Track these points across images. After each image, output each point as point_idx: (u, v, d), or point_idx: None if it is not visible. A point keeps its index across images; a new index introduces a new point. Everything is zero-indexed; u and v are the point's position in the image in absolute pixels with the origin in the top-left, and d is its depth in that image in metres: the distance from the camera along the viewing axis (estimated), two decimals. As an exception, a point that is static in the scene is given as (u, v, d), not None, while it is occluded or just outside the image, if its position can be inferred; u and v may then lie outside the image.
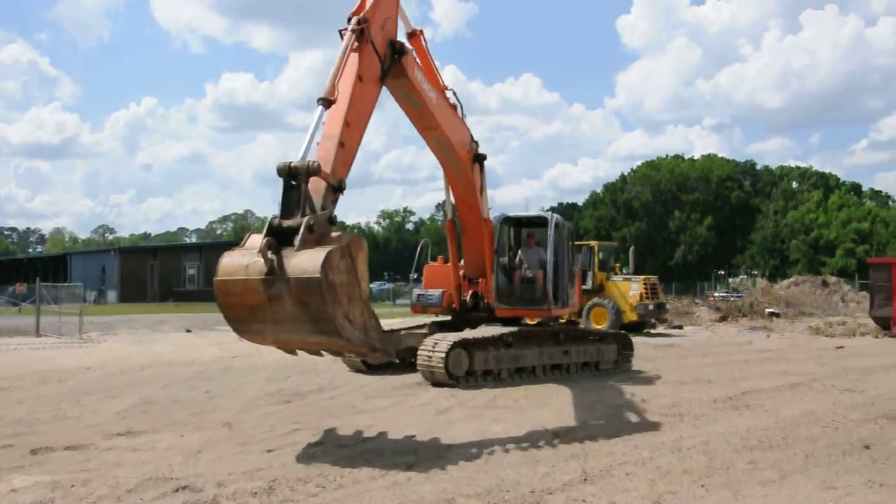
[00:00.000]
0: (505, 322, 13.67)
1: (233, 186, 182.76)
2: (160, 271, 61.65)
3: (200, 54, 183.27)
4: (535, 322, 15.98)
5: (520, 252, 14.91)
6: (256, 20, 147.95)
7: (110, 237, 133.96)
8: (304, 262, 7.08)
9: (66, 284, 35.49)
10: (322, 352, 8.49)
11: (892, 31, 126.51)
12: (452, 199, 13.76)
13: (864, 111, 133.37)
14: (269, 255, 7.12)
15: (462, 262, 14.25)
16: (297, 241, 7.21)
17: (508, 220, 14.93)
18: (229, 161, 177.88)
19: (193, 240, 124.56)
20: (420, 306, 14.52)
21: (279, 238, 7.29)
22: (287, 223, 7.43)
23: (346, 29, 9.09)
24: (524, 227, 15.59)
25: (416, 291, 14.59)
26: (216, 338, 22.61)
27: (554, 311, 14.11)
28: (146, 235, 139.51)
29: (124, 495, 6.25)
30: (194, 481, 6.62)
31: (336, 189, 8.06)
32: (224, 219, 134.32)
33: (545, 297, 14.00)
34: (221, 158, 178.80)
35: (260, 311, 7.37)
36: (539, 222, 15.16)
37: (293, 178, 7.70)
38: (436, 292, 14.25)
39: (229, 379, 13.57)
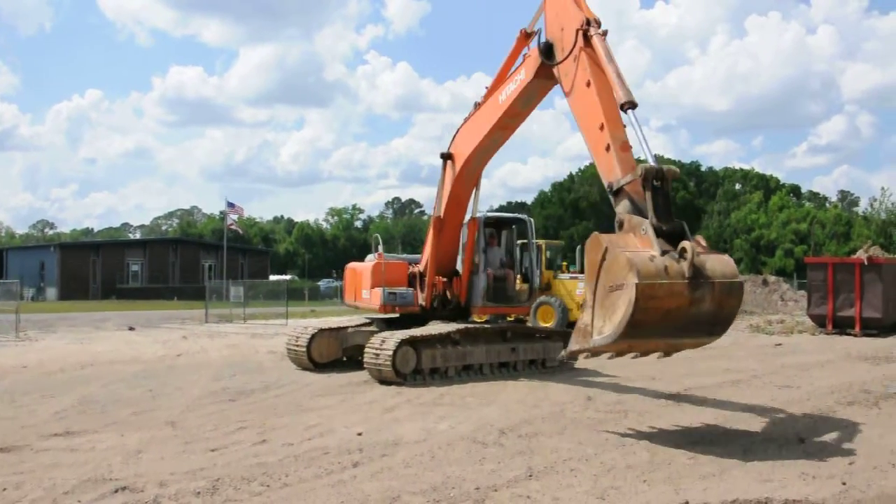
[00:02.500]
0: (451, 319, 13.74)
1: (179, 182, 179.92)
2: (103, 268, 60.35)
3: (148, 47, 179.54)
4: (483, 320, 16.09)
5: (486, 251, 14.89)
6: (206, 13, 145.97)
7: (50, 232, 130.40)
8: (721, 266, 7.61)
9: (1, 281, 34.44)
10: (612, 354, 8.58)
11: (831, 40, 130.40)
12: (446, 195, 13.61)
13: (804, 116, 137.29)
14: (690, 258, 7.34)
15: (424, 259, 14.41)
16: (687, 245, 7.46)
17: (489, 221, 14.94)
18: (176, 156, 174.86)
19: (138, 236, 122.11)
20: (391, 305, 14.02)
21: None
22: (667, 227, 7.78)
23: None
24: (502, 228, 15.58)
25: (387, 290, 13.95)
26: (160, 335, 22.21)
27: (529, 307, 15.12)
28: (88, 231, 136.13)
29: (60, 497, 6.10)
30: (134, 482, 6.49)
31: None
32: (170, 215, 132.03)
33: (526, 295, 14.84)
34: (168, 153, 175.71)
35: (674, 314, 7.44)
36: (515, 222, 15.53)
37: (660, 180, 8.03)
38: (408, 291, 14.14)
39: (173, 377, 13.34)
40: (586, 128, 9.36)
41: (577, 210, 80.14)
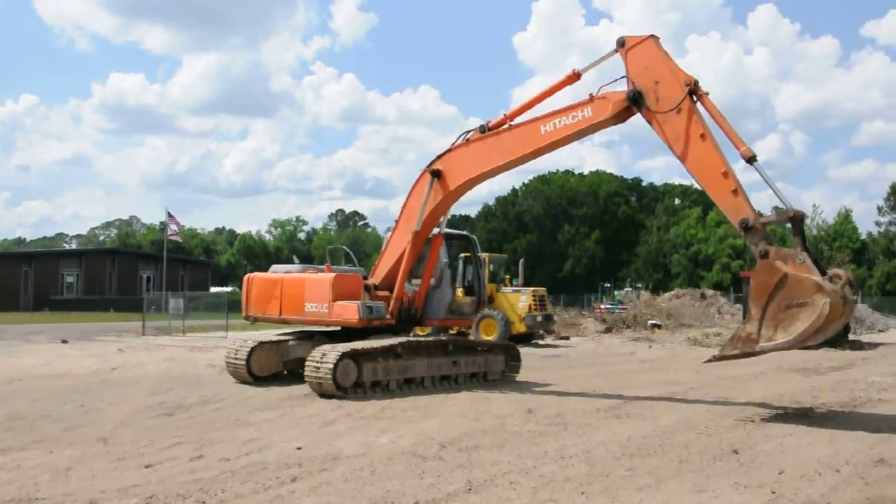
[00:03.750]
0: (395, 332, 13.70)
1: (119, 191, 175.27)
2: (35, 279, 58.51)
3: (87, 53, 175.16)
4: (425, 333, 16.13)
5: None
6: (149, 20, 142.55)
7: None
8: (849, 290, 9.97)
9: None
10: None
11: (767, 61, 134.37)
12: (427, 211, 13.65)
13: (742, 134, 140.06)
14: (844, 283, 9.77)
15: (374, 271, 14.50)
16: (841, 273, 9.97)
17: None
18: (115, 165, 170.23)
19: (73, 246, 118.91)
20: (368, 319, 13.54)
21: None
22: (811, 257, 9.99)
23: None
24: (450, 243, 15.78)
25: (365, 304, 13.49)
26: (95, 349, 21.62)
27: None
28: (21, 241, 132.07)
29: (-16, 517, 5.89)
30: (62, 501, 6.30)
31: None
32: (108, 225, 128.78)
33: (476, 308, 15.52)
34: (107, 161, 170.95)
35: (835, 327, 10.00)
36: (460, 238, 15.72)
37: (801, 220, 10.63)
38: (381, 304, 13.75)
39: (108, 392, 13.00)
40: (706, 174, 11.14)
41: (520, 223, 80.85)
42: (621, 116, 12.01)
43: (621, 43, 11.90)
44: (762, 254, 10.24)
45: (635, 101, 11.66)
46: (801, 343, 9.79)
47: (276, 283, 14.63)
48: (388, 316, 13.78)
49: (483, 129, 13.09)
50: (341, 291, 13.67)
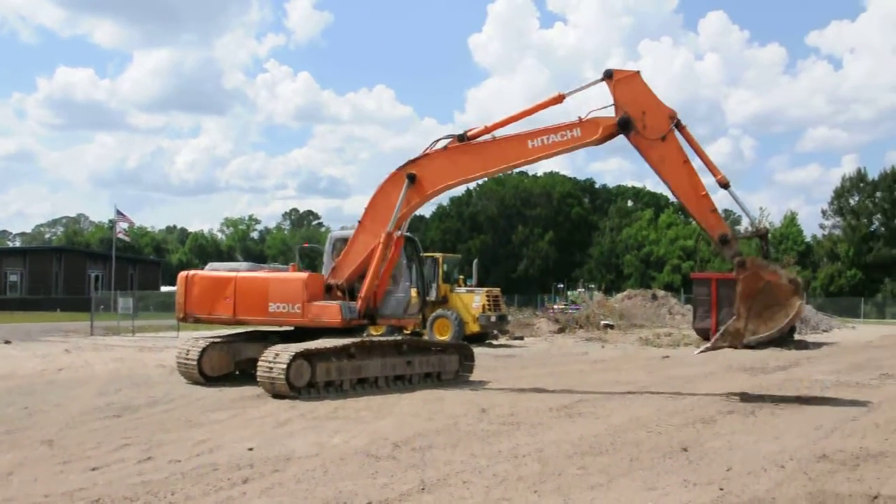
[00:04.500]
0: (346, 333, 13.57)
1: (65, 188, 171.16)
2: (-23, 277, 56.89)
3: (32, 45, 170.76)
4: (378, 333, 16.09)
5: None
6: (98, 14, 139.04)
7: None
8: None
9: None
10: None
11: (716, 67, 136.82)
12: (401, 212, 13.86)
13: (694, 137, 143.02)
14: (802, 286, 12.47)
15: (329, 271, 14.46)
16: (799, 279, 12.73)
17: None
18: (62, 161, 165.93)
19: (17, 244, 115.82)
20: (349, 320, 13.55)
21: None
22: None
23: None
24: None
25: (346, 305, 13.52)
26: (40, 349, 21.10)
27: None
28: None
29: (-78, 522, 5.70)
30: (5, 504, 6.14)
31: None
32: (54, 222, 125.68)
33: (420, 308, 15.69)
34: (53, 158, 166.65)
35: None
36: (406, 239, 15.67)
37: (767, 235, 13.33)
38: (354, 304, 13.75)
39: (53, 393, 12.70)
40: (688, 195, 13.00)
41: (475, 224, 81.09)
42: (606, 139, 13.29)
43: (609, 74, 13.08)
44: (739, 263, 12.33)
45: (624, 127, 12.94)
46: (779, 334, 12.37)
47: (226, 283, 14.10)
48: (358, 316, 13.85)
49: (462, 138, 13.71)
50: (314, 292, 13.64)
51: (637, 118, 12.90)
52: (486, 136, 13.74)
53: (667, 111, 12.94)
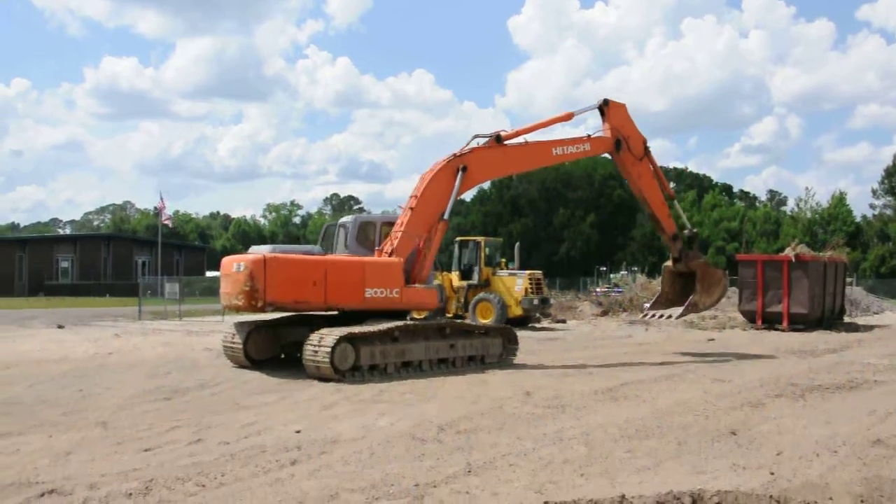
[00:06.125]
0: (391, 316, 13.63)
1: (112, 176, 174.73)
2: (29, 264, 58.35)
3: (79, 37, 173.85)
4: (422, 317, 16.12)
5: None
6: (142, 4, 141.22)
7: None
8: None
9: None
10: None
11: (761, 44, 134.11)
12: (452, 200, 14.68)
13: (738, 117, 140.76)
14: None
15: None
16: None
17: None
18: (109, 150, 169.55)
19: (68, 231, 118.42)
20: (441, 303, 15.46)
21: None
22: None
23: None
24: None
25: (441, 287, 14.28)
26: (91, 333, 21.61)
27: None
28: (14, 226, 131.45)
29: (-16, 501, 5.88)
30: (63, 485, 6.29)
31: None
32: (102, 210, 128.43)
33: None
34: (101, 147, 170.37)
35: None
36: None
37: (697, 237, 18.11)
38: None
39: (105, 376, 12.99)
40: (656, 202, 17.08)
41: (516, 207, 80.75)
42: (603, 153, 17.15)
43: (606, 103, 16.48)
44: (681, 254, 17.23)
45: (617, 146, 16.44)
46: (717, 303, 18.40)
47: (315, 267, 13.09)
48: None
49: (498, 139, 15.37)
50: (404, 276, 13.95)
51: (623, 140, 16.43)
52: (519, 139, 15.68)
53: (642, 137, 16.83)
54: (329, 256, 14.14)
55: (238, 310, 13.66)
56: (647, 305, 18.79)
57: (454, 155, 14.85)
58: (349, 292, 13.25)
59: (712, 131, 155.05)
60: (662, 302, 17.81)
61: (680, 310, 17.07)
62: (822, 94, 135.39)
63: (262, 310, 12.91)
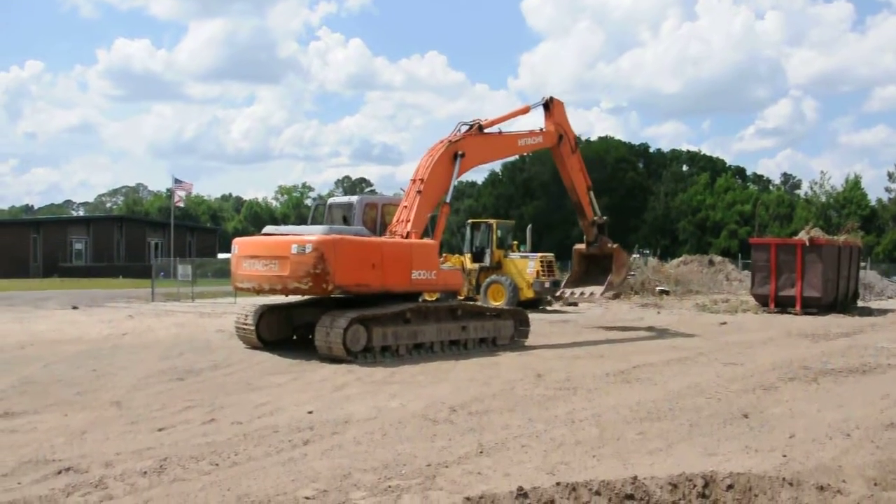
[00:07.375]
0: (403, 298, 13.62)
1: (125, 158, 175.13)
2: (44, 246, 58.69)
3: (92, 19, 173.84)
4: (434, 298, 16.14)
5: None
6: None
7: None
8: None
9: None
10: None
11: (778, 26, 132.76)
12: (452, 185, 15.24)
13: (752, 100, 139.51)
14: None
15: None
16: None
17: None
18: (122, 132, 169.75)
19: (81, 213, 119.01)
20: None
21: None
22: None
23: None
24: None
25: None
26: (105, 314, 21.75)
27: None
28: (28, 208, 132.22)
29: (0, 479, 5.94)
30: (79, 462, 6.36)
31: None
32: (115, 192, 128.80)
33: None
34: (114, 129, 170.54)
35: None
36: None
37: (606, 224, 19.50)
38: None
39: (119, 357, 13.09)
40: (581, 190, 18.95)
41: (527, 190, 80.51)
42: (549, 146, 18.12)
43: (551, 100, 17.83)
44: (596, 238, 19.10)
45: (559, 140, 17.90)
46: (625, 280, 20.87)
47: (374, 249, 12.92)
48: None
49: (480, 128, 15.99)
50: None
51: (564, 135, 17.99)
52: (494, 129, 16.42)
53: (573, 133, 18.68)
54: (380, 239, 13.77)
55: (301, 294, 13.05)
56: (563, 284, 20.03)
57: (449, 141, 15.22)
58: (400, 274, 13.18)
59: (727, 114, 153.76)
60: (573, 281, 19.42)
61: (601, 288, 18.47)
62: (839, 77, 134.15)
63: (331, 293, 12.54)
